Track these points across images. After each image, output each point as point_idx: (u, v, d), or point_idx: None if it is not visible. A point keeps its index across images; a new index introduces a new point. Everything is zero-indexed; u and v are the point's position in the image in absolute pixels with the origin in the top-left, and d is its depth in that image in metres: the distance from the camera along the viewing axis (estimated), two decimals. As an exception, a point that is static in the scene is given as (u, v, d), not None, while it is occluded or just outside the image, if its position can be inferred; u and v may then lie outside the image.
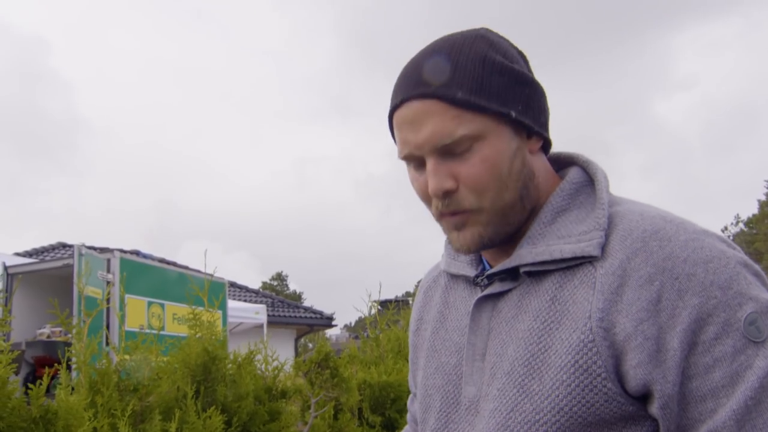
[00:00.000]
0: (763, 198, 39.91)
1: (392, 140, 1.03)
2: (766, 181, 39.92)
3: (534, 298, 0.94)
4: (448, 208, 0.94)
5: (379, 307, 4.99)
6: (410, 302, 8.91)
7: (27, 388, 2.12)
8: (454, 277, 1.11)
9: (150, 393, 2.37)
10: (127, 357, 2.49)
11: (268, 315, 13.32)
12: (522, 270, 0.95)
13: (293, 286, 53.05)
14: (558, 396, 0.87)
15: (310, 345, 21.90)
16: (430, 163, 0.93)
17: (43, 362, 7.71)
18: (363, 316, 4.83)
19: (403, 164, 1.03)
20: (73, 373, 2.59)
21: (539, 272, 0.94)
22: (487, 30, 0.99)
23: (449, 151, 0.92)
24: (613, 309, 0.86)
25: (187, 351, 2.68)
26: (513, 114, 0.93)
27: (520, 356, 0.92)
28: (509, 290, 0.97)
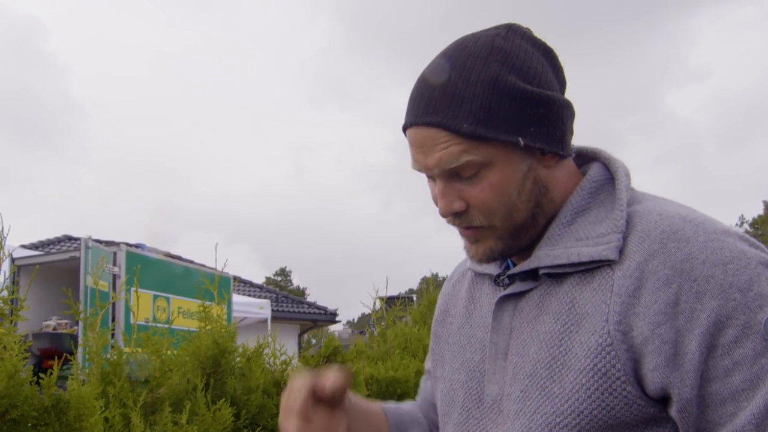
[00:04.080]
0: (769, 199, 39.67)
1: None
2: (772, 182, 39.67)
3: (554, 300, 0.93)
4: (460, 225, 0.96)
5: (386, 305, 4.99)
6: (414, 299, 8.89)
7: (38, 378, 2.14)
8: (479, 273, 1.11)
9: (161, 385, 2.38)
10: (138, 350, 2.51)
11: (272, 310, 13.34)
12: (541, 272, 0.95)
13: (297, 281, 53.19)
14: (578, 399, 0.87)
15: (314, 341, 21.91)
16: (439, 185, 0.94)
17: (49, 354, 7.74)
18: (365, 313, 4.83)
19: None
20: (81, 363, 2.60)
21: (559, 273, 0.94)
22: (506, 35, 0.93)
23: (457, 175, 0.92)
24: (631, 312, 0.85)
25: (197, 344, 2.70)
26: (521, 142, 0.90)
27: (542, 358, 0.91)
28: (530, 290, 0.97)
